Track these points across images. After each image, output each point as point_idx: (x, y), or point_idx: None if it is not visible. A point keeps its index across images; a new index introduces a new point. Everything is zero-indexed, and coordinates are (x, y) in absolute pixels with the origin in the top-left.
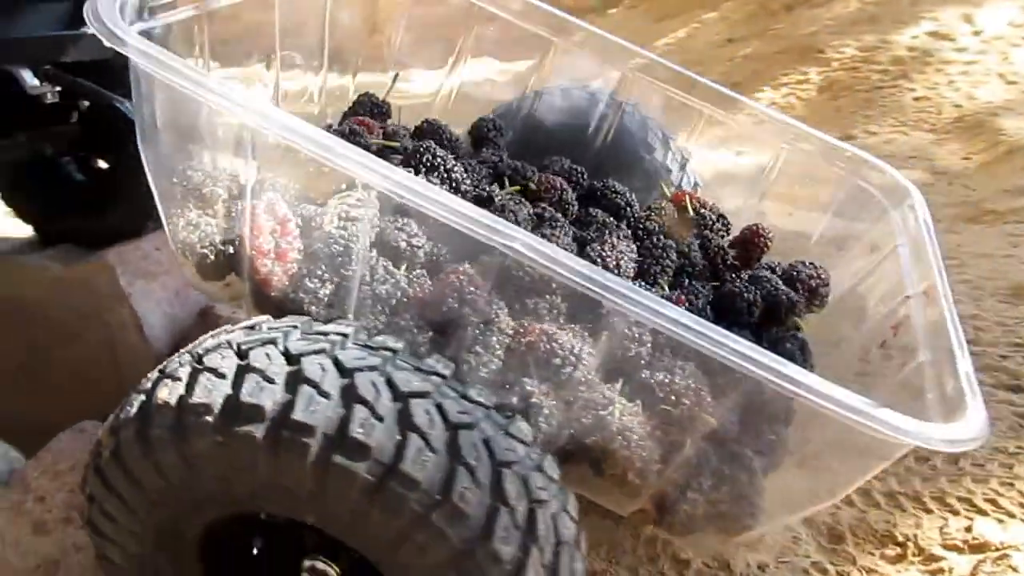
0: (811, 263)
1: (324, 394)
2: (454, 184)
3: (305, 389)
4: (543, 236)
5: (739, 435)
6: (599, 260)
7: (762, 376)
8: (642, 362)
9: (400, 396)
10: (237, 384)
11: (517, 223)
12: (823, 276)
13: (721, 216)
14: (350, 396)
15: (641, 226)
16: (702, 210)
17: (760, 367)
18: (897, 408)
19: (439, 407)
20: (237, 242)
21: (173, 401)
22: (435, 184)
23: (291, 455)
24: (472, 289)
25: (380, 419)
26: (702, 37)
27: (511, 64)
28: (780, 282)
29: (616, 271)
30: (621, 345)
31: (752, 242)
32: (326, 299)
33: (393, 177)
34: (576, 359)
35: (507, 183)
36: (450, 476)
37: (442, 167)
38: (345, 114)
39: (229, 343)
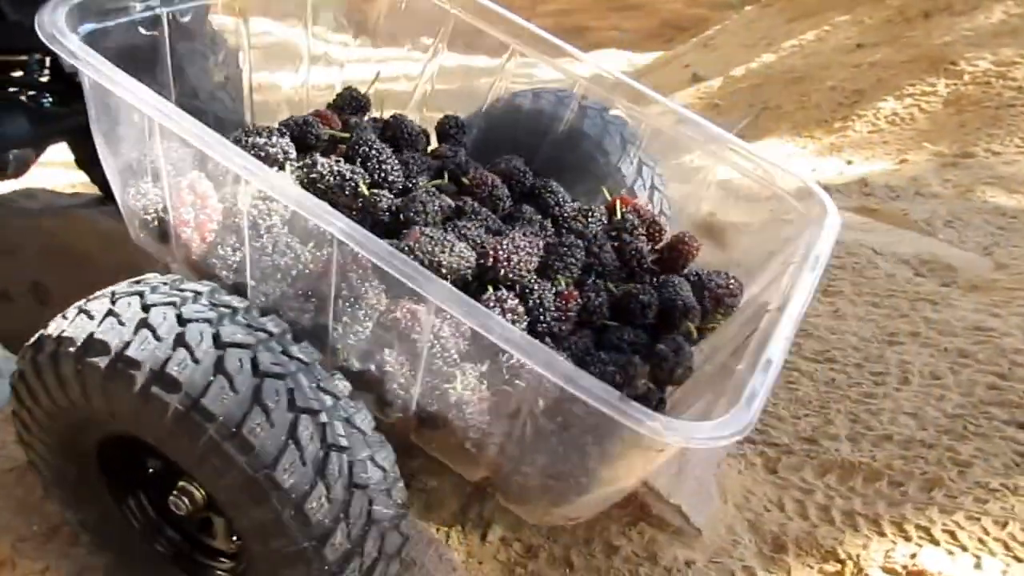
0: (726, 273)
1: (158, 338)
2: (383, 175)
3: (144, 332)
4: (455, 227)
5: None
6: (491, 252)
7: (523, 359)
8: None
9: (221, 345)
10: (99, 324)
11: (425, 212)
12: (732, 286)
13: (653, 223)
14: (178, 341)
15: (565, 225)
16: (628, 215)
17: (522, 352)
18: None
19: (253, 358)
20: (162, 210)
21: (55, 333)
22: (361, 173)
23: (122, 384)
24: (353, 267)
25: (197, 362)
26: (831, 40)
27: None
28: (685, 288)
29: (504, 263)
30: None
31: (677, 249)
32: (235, 266)
33: (247, 167)
34: (434, 338)
35: (446, 177)
36: (246, 414)
37: (375, 159)
38: (327, 106)
39: (113, 292)
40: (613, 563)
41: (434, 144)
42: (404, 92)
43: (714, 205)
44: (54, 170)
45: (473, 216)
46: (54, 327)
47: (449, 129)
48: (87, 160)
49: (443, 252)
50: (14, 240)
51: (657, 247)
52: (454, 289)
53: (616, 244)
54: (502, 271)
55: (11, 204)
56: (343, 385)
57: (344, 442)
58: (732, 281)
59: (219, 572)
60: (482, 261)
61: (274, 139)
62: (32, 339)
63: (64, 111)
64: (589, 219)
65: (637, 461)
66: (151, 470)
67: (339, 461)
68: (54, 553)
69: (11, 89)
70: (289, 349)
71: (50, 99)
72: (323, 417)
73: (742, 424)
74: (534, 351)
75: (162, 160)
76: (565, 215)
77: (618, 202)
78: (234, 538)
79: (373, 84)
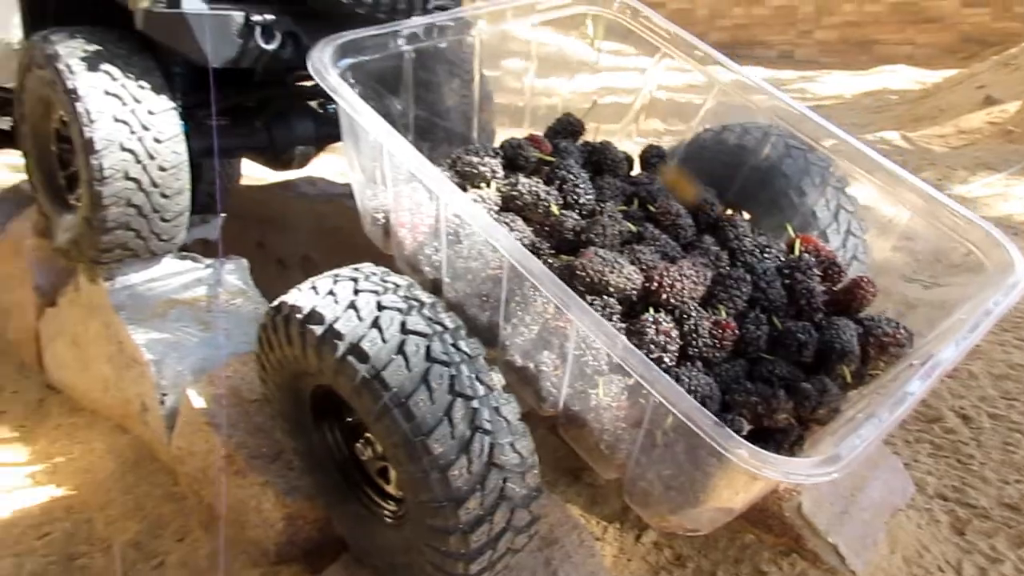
0: (897, 323)
1: (360, 318)
2: (575, 197)
3: (350, 312)
4: (631, 251)
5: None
6: (656, 277)
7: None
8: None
9: (405, 331)
10: (321, 299)
11: (604, 234)
12: (900, 336)
13: (832, 264)
14: (374, 323)
15: (741, 259)
16: (806, 253)
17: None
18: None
19: (428, 346)
20: (387, 212)
21: (290, 301)
22: (555, 195)
23: (328, 349)
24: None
25: (384, 342)
26: None
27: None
28: (848, 332)
29: (668, 289)
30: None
31: (853, 292)
32: (436, 264)
33: (443, 188)
34: (584, 347)
35: (636, 203)
36: (414, 390)
37: (571, 182)
38: (545, 130)
39: (336, 275)
40: None
41: (637, 171)
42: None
43: (897, 250)
44: (333, 163)
45: (651, 242)
46: (291, 296)
47: (651, 158)
48: None
49: (611, 272)
50: (293, 218)
51: (834, 288)
52: (586, 306)
53: (788, 281)
54: (664, 296)
55: (295, 188)
56: (497, 378)
57: (489, 426)
58: (901, 331)
59: (386, 512)
60: (647, 284)
61: (486, 159)
62: (275, 302)
63: None
64: (765, 254)
65: (738, 485)
66: (347, 420)
67: (482, 441)
68: (274, 472)
69: (304, 98)
70: (458, 343)
71: (332, 107)
72: (475, 403)
73: (830, 468)
74: (642, 368)
75: (388, 173)
76: (742, 248)
77: (797, 241)
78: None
79: (591, 110)
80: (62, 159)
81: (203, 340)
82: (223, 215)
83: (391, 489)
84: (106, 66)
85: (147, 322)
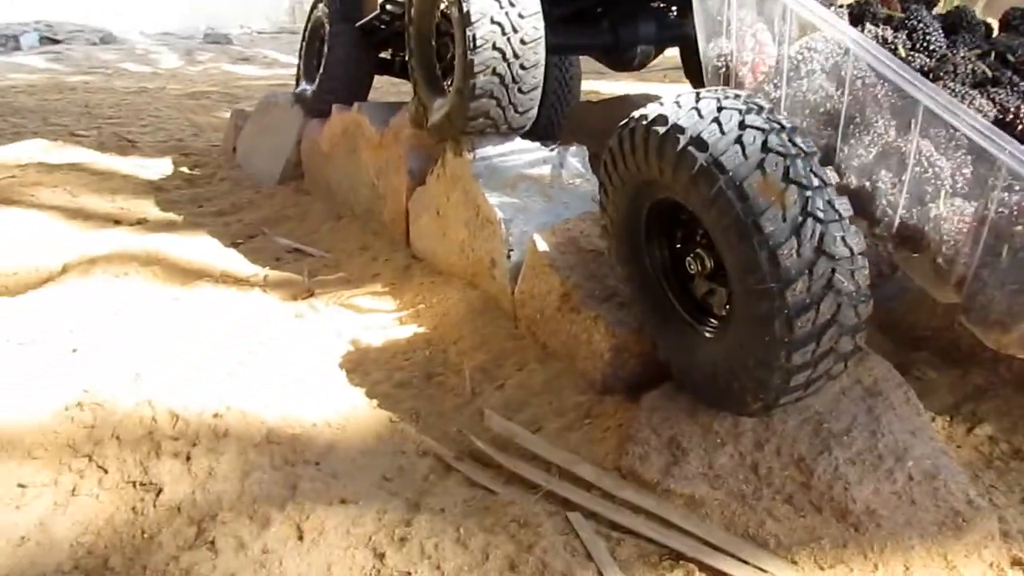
0: None
1: (701, 116)
2: (925, 44)
3: (692, 112)
4: (984, 91)
5: None
6: (1012, 108)
7: None
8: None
9: (743, 126)
10: (665, 106)
11: (955, 73)
12: None
13: None
14: (714, 119)
15: None
16: None
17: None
18: None
19: (764, 139)
20: (729, 56)
21: (638, 115)
22: (903, 39)
23: (670, 144)
24: (869, 103)
25: (723, 133)
26: None
27: None
28: None
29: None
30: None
31: None
32: (774, 100)
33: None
34: (928, 164)
35: (992, 56)
36: (749, 173)
37: (921, 30)
38: None
39: (698, 94)
40: None
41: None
42: None
43: None
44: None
45: (1008, 86)
46: (639, 111)
47: (1013, 21)
48: (691, 67)
49: (961, 103)
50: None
51: None
52: (940, 91)
53: None
54: (1020, 127)
55: (631, 102)
56: (832, 176)
57: (821, 216)
58: None
59: (708, 328)
60: (1001, 117)
61: (833, 9)
62: (623, 121)
63: (681, 21)
64: None
65: None
66: (678, 243)
67: (813, 227)
68: (605, 309)
69: (648, 1)
70: (795, 139)
71: (674, 10)
72: (808, 192)
73: None
74: (1000, 141)
75: (735, 13)
76: None
77: None
78: (725, 306)
79: None
80: (439, 53)
81: (546, 208)
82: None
83: (716, 306)
84: None
85: (500, 190)
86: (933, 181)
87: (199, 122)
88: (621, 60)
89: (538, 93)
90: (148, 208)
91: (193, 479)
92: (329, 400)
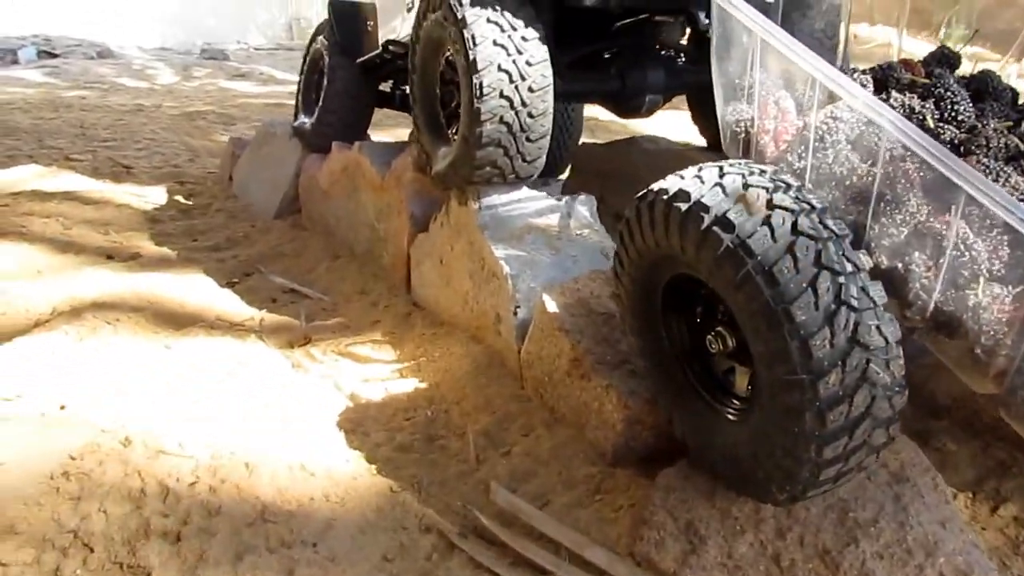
0: None
1: (726, 194)
2: (953, 113)
3: (716, 189)
4: (1018, 167)
5: None
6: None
7: None
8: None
9: (771, 207)
10: (687, 181)
11: (988, 146)
12: None
13: None
14: (739, 199)
15: None
16: None
17: None
18: None
19: (795, 221)
20: (749, 122)
21: (657, 187)
22: (930, 109)
23: (693, 223)
24: (901, 180)
25: (750, 215)
26: None
27: None
28: None
29: None
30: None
31: None
32: (797, 171)
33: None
34: (961, 245)
35: (1022, 126)
36: (779, 258)
37: (948, 100)
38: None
39: (700, 167)
40: None
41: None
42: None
43: None
44: (675, 121)
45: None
46: (656, 184)
47: None
48: (699, 114)
49: (995, 182)
50: (633, 174)
51: None
52: (982, 177)
53: None
54: None
55: (637, 145)
56: (866, 260)
57: (855, 303)
58: None
59: (729, 410)
60: None
61: (856, 76)
62: (641, 192)
63: (692, 68)
64: None
65: None
66: (698, 320)
67: (847, 316)
68: (617, 377)
69: (658, 49)
70: (825, 221)
71: (682, 58)
72: (841, 279)
73: None
74: None
75: (757, 79)
76: None
77: None
78: (748, 386)
79: (967, 41)
80: (443, 100)
81: (554, 262)
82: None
83: (738, 386)
84: (488, 3)
85: (506, 241)
86: (970, 265)
87: (195, 146)
88: (629, 107)
89: (546, 142)
90: (142, 242)
91: (183, 562)
92: (328, 465)
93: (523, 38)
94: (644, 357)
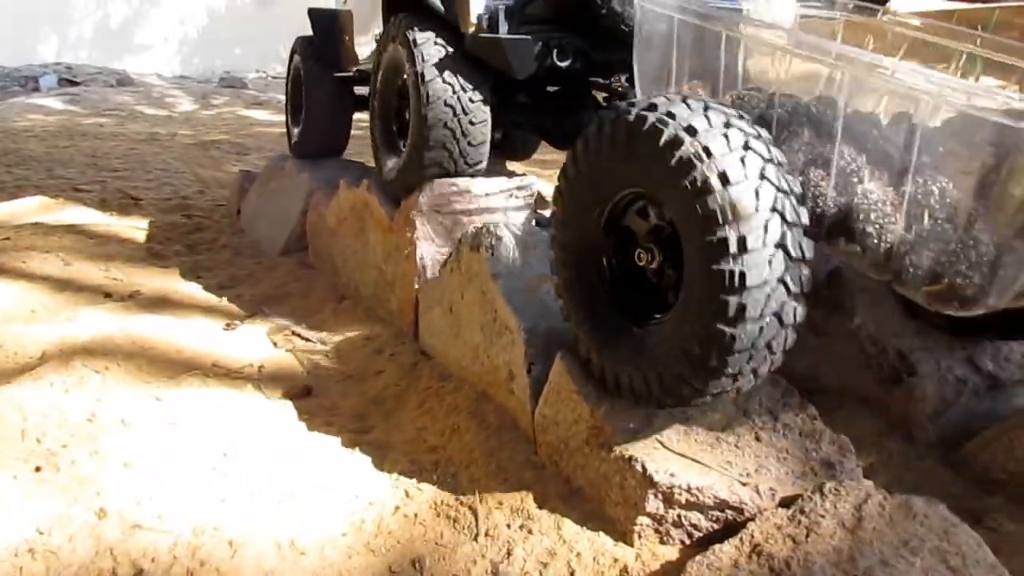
0: None
1: (690, 109)
2: None
3: (681, 105)
4: None
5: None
6: None
7: None
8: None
9: (727, 125)
10: (654, 101)
11: None
12: None
13: None
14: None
15: None
16: None
17: None
18: None
19: (746, 142)
20: None
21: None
22: None
23: (658, 132)
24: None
25: (711, 127)
26: None
27: None
28: None
29: None
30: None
31: None
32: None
33: None
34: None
35: None
36: (732, 165)
37: None
38: None
39: (685, 97)
40: None
41: None
42: None
43: None
44: None
45: None
46: (617, 107)
47: None
48: None
49: None
50: None
51: None
52: None
53: None
54: None
55: None
56: (797, 185)
57: (788, 217)
58: None
59: (650, 323)
60: None
61: None
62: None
63: None
64: None
65: None
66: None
67: (780, 226)
68: (640, 447)
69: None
70: (770, 147)
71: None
72: (779, 193)
73: None
74: None
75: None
76: None
77: None
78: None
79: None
80: (399, 111)
81: None
82: None
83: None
84: (432, 32)
85: (521, 292)
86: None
87: (206, 177)
88: (563, 144)
89: (487, 146)
90: (143, 279)
91: None
92: (321, 541)
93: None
94: (570, 290)
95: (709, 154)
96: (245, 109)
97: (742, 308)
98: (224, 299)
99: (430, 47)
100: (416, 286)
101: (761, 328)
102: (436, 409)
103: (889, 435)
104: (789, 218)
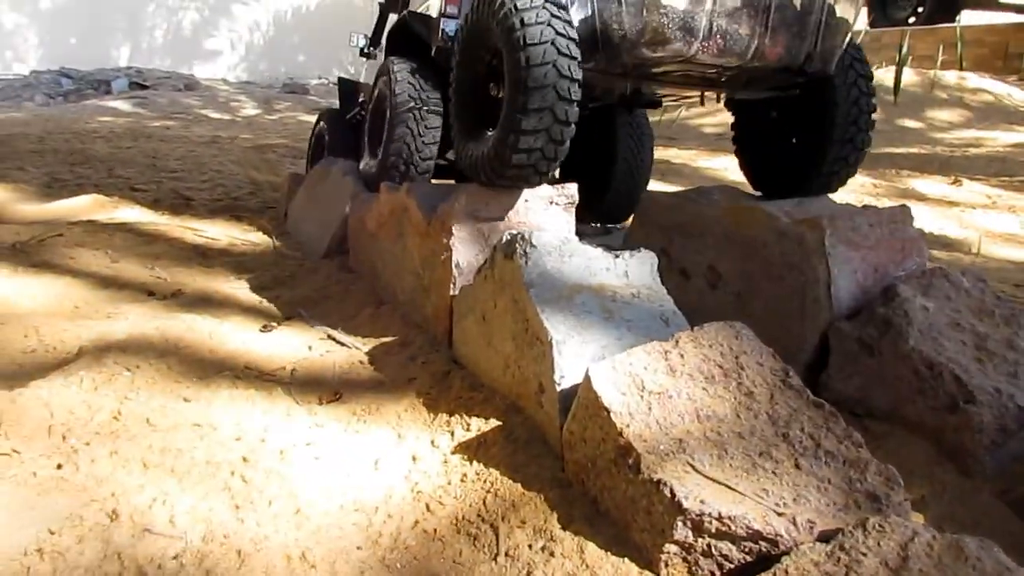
0: None
1: None
2: None
3: None
4: None
5: None
6: None
7: None
8: None
9: None
10: None
11: None
12: None
13: None
14: None
15: None
16: None
17: None
18: None
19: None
20: None
21: None
22: None
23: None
24: None
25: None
26: None
27: None
28: None
29: None
30: None
31: None
32: None
33: None
34: None
35: None
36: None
37: None
38: None
39: None
40: None
41: None
42: None
43: None
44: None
45: None
46: None
47: None
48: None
49: None
50: (701, 226)
51: None
52: None
53: None
54: None
55: (707, 196)
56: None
57: (564, 50)
58: None
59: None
60: None
61: None
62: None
63: None
64: None
65: None
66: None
67: (555, 56)
68: (670, 470)
69: None
70: (561, 5)
71: None
72: (558, 37)
73: None
74: None
75: None
76: None
77: None
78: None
79: None
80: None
81: (605, 328)
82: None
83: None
84: (410, 68)
85: (554, 303)
86: None
87: (259, 180)
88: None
89: (435, 148)
90: (186, 278)
91: None
92: (333, 554)
93: (424, 87)
94: (459, 110)
95: (517, 9)
96: (305, 114)
97: (527, 104)
98: (264, 300)
99: (405, 76)
100: (451, 293)
101: (541, 117)
102: (465, 420)
103: (942, 466)
104: (562, 50)
